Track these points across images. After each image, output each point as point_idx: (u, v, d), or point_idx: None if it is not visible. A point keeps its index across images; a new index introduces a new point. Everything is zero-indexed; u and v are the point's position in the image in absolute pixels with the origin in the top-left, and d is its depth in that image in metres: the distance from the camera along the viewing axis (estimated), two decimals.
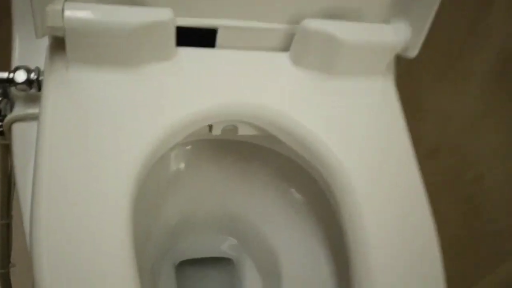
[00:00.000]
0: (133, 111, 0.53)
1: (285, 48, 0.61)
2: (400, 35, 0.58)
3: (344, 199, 0.56)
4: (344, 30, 0.57)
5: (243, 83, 0.58)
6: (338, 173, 0.56)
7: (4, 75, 0.56)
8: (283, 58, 0.60)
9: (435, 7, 0.56)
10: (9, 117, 0.57)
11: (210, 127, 0.61)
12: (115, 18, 0.51)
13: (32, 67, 0.57)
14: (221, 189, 0.73)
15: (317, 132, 0.57)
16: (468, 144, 0.85)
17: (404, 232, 0.55)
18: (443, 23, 0.78)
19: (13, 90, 0.59)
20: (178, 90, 0.55)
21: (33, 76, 0.56)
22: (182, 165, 0.71)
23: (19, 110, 0.59)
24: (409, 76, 0.85)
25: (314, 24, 0.57)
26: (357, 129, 0.58)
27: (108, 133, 0.51)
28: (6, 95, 0.58)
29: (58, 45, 0.53)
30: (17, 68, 0.56)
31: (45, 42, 0.54)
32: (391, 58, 0.60)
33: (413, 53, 0.59)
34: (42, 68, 0.56)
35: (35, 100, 0.60)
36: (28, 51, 0.62)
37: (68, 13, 0.49)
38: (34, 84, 0.57)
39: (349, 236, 0.55)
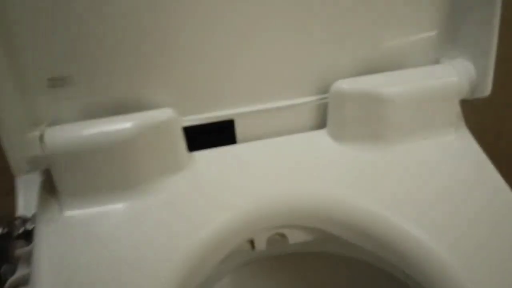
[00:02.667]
0: (146, 245, 0.41)
1: (320, 124, 0.49)
2: (461, 73, 0.46)
3: None
4: (387, 83, 0.45)
5: (282, 176, 0.45)
6: (440, 275, 0.39)
7: None
8: (320, 136, 0.48)
9: (495, 30, 0.43)
10: (9, 282, 0.47)
11: (252, 242, 0.48)
12: (105, 129, 0.42)
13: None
14: None
15: (397, 222, 0.42)
16: None
17: None
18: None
19: (17, 251, 0.49)
20: (199, 203, 0.43)
21: (29, 226, 0.47)
22: None
23: (22, 271, 0.48)
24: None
25: (347, 86, 0.45)
26: (448, 204, 0.43)
27: (122, 280, 0.39)
28: (4, 255, 0.49)
29: (49, 180, 0.44)
30: (11, 220, 0.47)
31: None
32: (456, 103, 0.47)
33: (485, 90, 0.45)
34: None
35: None
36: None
37: (49, 138, 0.41)
38: None
39: None
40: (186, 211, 0.43)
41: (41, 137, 0.41)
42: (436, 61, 0.48)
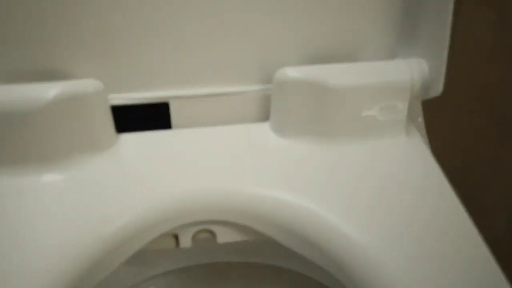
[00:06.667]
0: (54, 224, 0.36)
1: (265, 117, 0.46)
2: (414, 70, 0.43)
3: None
4: (335, 74, 0.42)
5: (213, 168, 0.41)
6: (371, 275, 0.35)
7: None
8: (262, 128, 0.45)
9: (448, 24, 0.41)
10: None
11: (176, 238, 0.43)
12: (20, 95, 0.38)
13: None
14: None
15: (330, 220, 0.38)
16: None
17: None
18: None
19: None
20: (117, 188, 0.39)
21: None
22: None
23: None
24: None
25: (291, 73, 0.42)
26: (390, 209, 0.39)
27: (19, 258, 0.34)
28: None
29: None
30: None
31: None
32: (407, 103, 0.43)
33: (436, 90, 0.42)
34: None
35: None
36: None
37: None
38: None
39: None
40: (100, 194, 0.39)
41: None
42: (389, 56, 0.45)
